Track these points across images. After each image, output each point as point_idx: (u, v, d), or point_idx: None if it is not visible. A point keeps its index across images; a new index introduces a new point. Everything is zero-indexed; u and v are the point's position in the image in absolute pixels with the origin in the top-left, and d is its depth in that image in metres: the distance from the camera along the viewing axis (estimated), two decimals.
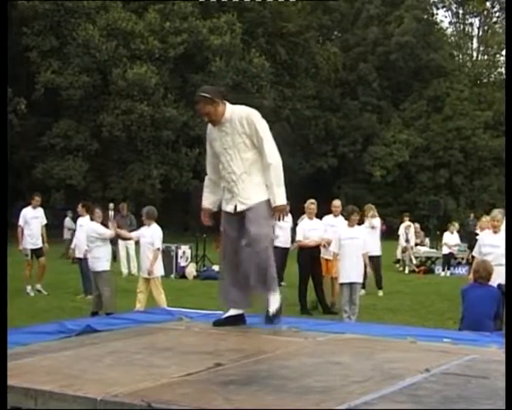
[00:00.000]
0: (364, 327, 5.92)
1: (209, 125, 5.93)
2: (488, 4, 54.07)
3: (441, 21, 53.29)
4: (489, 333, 5.50)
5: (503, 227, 10.37)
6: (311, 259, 12.92)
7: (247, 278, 5.71)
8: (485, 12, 54.70)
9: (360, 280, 11.20)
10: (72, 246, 14.85)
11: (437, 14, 53.65)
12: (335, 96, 48.39)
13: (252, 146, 5.72)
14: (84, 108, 35.59)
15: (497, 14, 54.33)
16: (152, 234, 11.20)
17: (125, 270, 18.82)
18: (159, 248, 11.28)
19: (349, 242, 11.26)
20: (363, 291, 13.54)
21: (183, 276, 18.96)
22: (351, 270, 11.05)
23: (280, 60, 43.02)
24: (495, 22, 54.55)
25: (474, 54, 54.83)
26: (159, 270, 11.37)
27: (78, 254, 14.36)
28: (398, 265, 23.93)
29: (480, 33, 54.89)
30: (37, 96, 34.01)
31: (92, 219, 11.73)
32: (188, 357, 4.41)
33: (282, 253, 17.11)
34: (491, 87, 50.54)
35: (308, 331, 5.37)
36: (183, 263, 19.49)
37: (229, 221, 5.88)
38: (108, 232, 11.63)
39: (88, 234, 11.67)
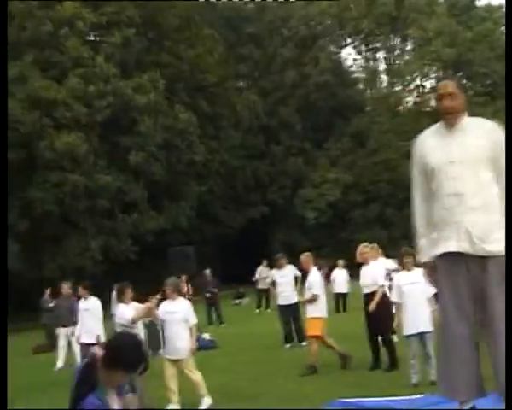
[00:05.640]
0: None
1: (424, 135, 4.66)
2: (393, 39, 55.03)
3: (354, 60, 53.87)
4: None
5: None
6: None
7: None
8: (389, 46, 55.62)
9: None
10: (77, 332, 13.08)
11: (350, 54, 54.25)
12: (259, 143, 47.69)
13: (491, 168, 4.34)
14: (10, 185, 33.21)
15: (400, 47, 55.49)
16: (183, 309, 9.79)
17: (60, 363, 15.68)
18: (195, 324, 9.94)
19: None
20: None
21: None
22: None
23: (203, 112, 41.97)
24: (399, 55, 55.57)
25: (386, 86, 55.44)
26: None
27: (87, 340, 12.56)
28: None
29: (387, 67, 55.72)
30: None
31: (123, 302, 9.95)
32: None
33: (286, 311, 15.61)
34: (409, 116, 51.07)
35: None
36: None
37: (453, 268, 4.33)
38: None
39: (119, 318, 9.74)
